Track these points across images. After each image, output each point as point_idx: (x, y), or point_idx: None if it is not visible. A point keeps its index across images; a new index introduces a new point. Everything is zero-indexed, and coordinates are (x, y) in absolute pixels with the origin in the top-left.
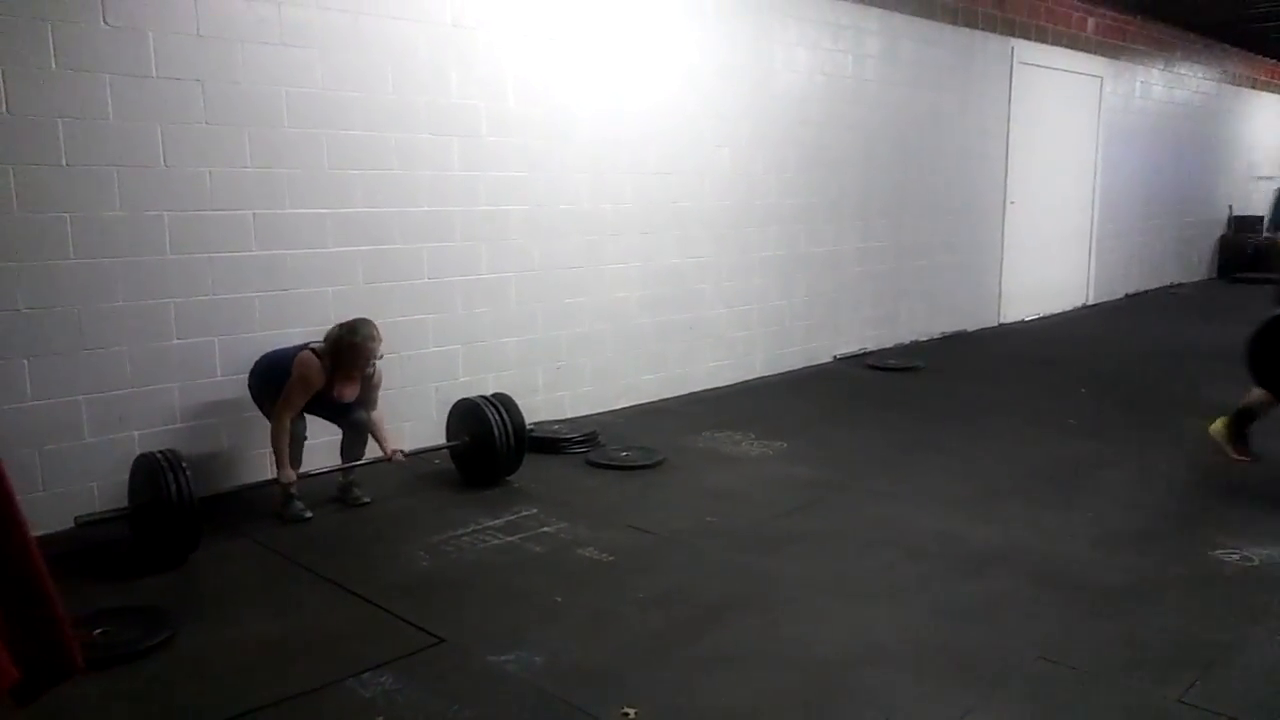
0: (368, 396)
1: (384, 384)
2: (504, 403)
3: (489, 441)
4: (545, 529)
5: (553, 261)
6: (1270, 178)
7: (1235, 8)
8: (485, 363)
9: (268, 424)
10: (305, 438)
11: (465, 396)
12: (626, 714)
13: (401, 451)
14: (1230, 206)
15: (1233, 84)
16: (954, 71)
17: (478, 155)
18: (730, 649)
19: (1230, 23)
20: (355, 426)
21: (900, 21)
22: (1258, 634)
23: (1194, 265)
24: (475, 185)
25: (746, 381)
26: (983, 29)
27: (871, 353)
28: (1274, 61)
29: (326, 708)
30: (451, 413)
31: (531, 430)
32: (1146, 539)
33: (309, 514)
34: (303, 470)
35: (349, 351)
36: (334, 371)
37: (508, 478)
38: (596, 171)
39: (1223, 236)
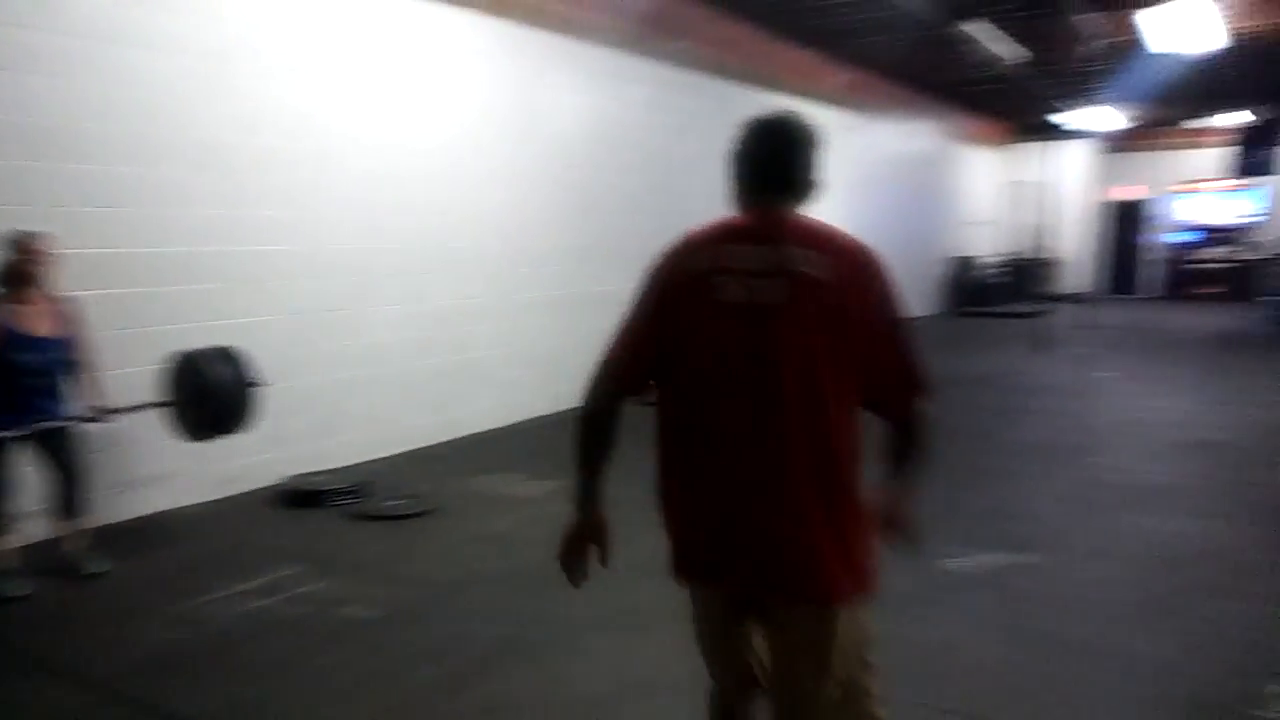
0: (71, 342)
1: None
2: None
3: (213, 387)
4: (305, 588)
5: (319, 304)
6: (981, 223)
7: (957, 72)
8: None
9: None
10: (14, 490)
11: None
12: None
13: (105, 408)
14: (951, 249)
15: (953, 140)
16: (712, 120)
17: (237, 192)
18: (501, 698)
19: (952, 84)
20: (67, 464)
21: (667, 72)
22: (956, 627)
23: (926, 298)
24: (234, 224)
25: (522, 421)
26: (739, 82)
27: None
28: (986, 120)
29: None
30: (168, 375)
31: (293, 484)
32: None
33: (27, 589)
34: (16, 534)
35: (12, 263)
36: (9, 299)
37: (231, 432)
38: (366, 210)
39: (949, 273)
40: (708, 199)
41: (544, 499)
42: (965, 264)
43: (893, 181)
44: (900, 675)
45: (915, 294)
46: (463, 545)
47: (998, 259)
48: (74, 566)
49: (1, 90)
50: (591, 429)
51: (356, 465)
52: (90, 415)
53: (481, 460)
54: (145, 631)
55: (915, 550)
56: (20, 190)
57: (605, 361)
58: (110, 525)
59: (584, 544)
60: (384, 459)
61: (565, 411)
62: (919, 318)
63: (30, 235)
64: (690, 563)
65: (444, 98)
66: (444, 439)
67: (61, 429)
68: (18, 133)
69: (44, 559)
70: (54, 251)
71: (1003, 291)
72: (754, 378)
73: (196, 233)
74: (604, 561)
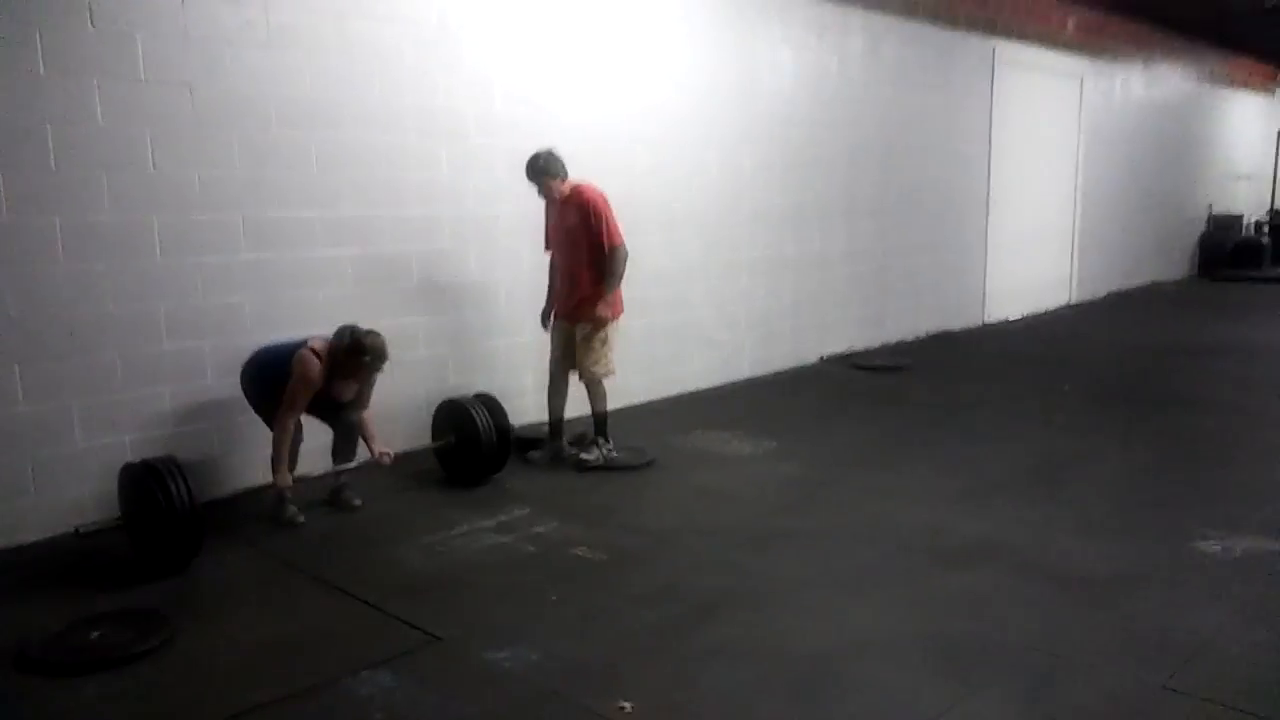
0: (362, 395)
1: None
2: (487, 402)
3: (474, 440)
4: (537, 529)
5: (541, 263)
6: (1248, 177)
7: (1213, 5)
8: (473, 365)
9: (259, 427)
10: (302, 440)
11: (451, 397)
12: (623, 708)
13: (389, 453)
14: (1210, 205)
15: (1211, 83)
16: (936, 71)
17: (465, 158)
18: (723, 643)
19: (1209, 21)
20: (347, 427)
21: (882, 21)
22: (1237, 623)
23: (1175, 263)
24: (463, 187)
25: (734, 382)
26: (964, 29)
27: (858, 353)
28: (1252, 60)
29: (325, 706)
30: (437, 413)
31: (521, 432)
32: (1130, 531)
33: (302, 518)
34: (295, 474)
35: (354, 363)
36: (332, 372)
37: (494, 476)
38: (584, 171)
39: (1203, 235)
40: (929, 155)
41: (759, 458)
42: (1225, 223)
43: (1141, 133)
44: (1150, 656)
45: (1165, 256)
46: (681, 498)
47: (1262, 217)
48: (342, 501)
49: (258, 66)
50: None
51: (576, 419)
52: (372, 459)
53: (696, 418)
54: (403, 559)
55: None
56: (279, 159)
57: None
58: (368, 465)
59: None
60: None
61: (778, 373)
62: (1167, 282)
63: (381, 355)
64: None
65: (660, 58)
66: (660, 396)
67: (341, 405)
68: (276, 105)
69: (315, 493)
70: (384, 360)
71: (1266, 253)
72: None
73: (427, 195)
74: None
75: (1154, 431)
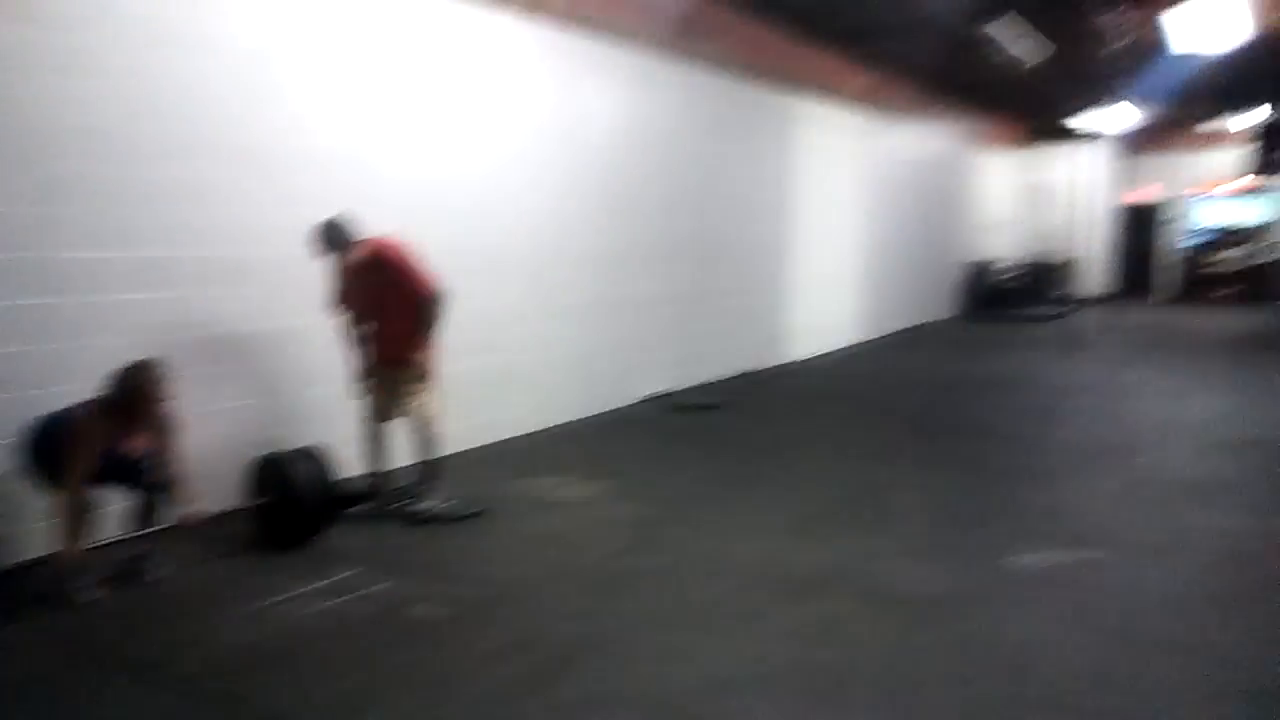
0: (164, 447)
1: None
2: (309, 456)
3: (295, 498)
4: (371, 589)
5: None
6: (995, 225)
7: (973, 73)
8: (290, 417)
9: (43, 494)
10: (94, 507)
11: (268, 451)
12: None
13: (198, 514)
14: (967, 251)
15: (970, 140)
16: (742, 124)
17: (279, 197)
18: (589, 694)
19: (971, 84)
20: (150, 490)
21: (697, 75)
22: (1058, 629)
23: (942, 304)
24: (276, 227)
25: (557, 425)
26: (767, 85)
27: (675, 392)
28: (1005, 119)
29: None
30: (253, 470)
31: (343, 487)
32: (949, 552)
33: (100, 593)
34: (91, 543)
35: (130, 403)
36: (118, 421)
37: (318, 536)
38: (403, 213)
39: (964, 278)
40: (736, 201)
41: (593, 501)
42: (983, 267)
43: (912, 184)
44: (990, 672)
45: (933, 298)
46: (520, 546)
47: (1015, 262)
48: (145, 571)
49: (58, 93)
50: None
51: (396, 470)
52: (180, 519)
53: (523, 464)
54: (222, 631)
55: None
56: (74, 192)
57: None
58: (172, 529)
59: None
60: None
61: (600, 415)
62: (935, 322)
63: (153, 373)
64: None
65: (483, 100)
66: (482, 442)
67: (142, 470)
68: (76, 136)
69: (115, 564)
70: (172, 396)
71: (1020, 295)
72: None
73: (240, 235)
74: None
75: (950, 458)
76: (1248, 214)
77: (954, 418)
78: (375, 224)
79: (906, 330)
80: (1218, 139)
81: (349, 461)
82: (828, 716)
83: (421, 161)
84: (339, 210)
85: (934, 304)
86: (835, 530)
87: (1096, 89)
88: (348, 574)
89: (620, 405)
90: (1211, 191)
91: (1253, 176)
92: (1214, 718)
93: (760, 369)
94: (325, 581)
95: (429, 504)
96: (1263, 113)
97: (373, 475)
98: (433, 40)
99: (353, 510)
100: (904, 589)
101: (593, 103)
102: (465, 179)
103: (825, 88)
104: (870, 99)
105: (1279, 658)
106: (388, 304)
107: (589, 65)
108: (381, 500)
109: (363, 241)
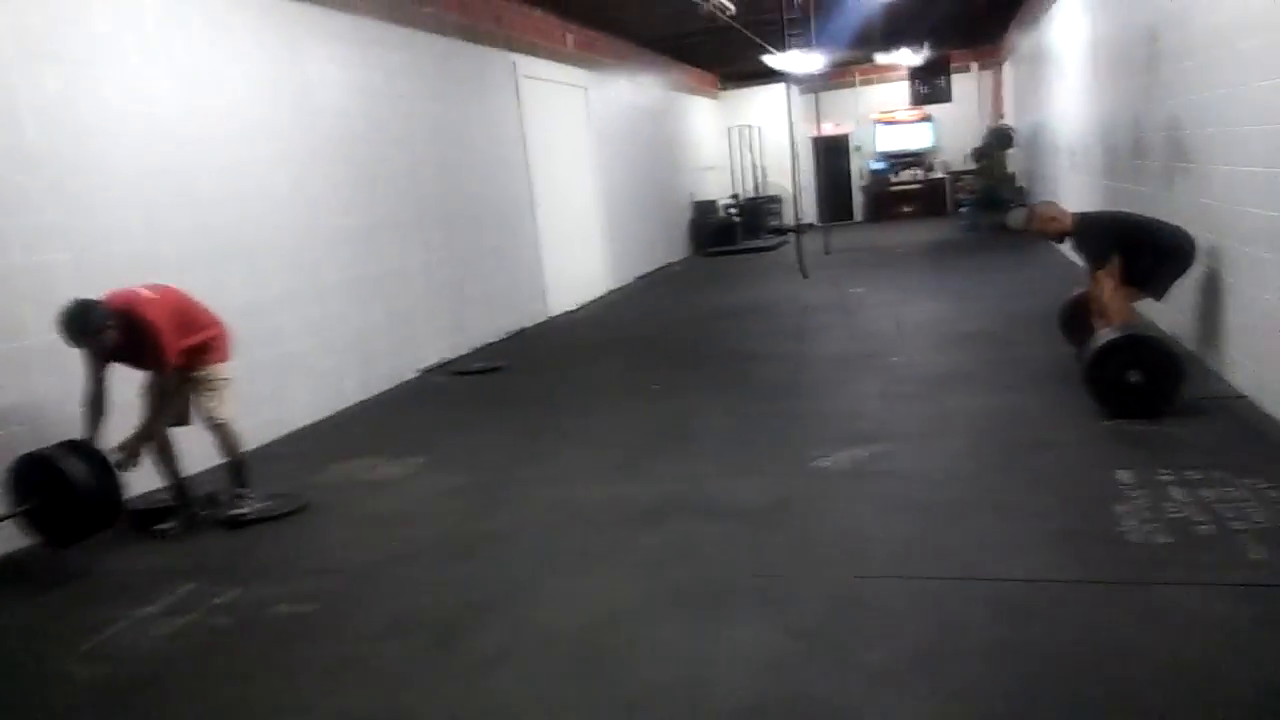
0: None
1: None
2: (76, 447)
3: (69, 492)
4: (219, 599)
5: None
6: (713, 167)
7: (673, 25)
8: (55, 434)
9: None
10: None
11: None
12: None
13: None
14: (691, 194)
15: (676, 90)
16: (471, 86)
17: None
18: (490, 649)
19: (668, 38)
20: None
21: (418, 37)
22: (878, 514)
23: (677, 245)
24: (3, 234)
25: (345, 409)
26: (488, 45)
27: (451, 361)
28: (700, 70)
29: None
30: (9, 476)
31: (137, 505)
32: (763, 464)
33: None
34: None
35: None
36: None
37: (106, 533)
38: (144, 209)
39: (692, 219)
40: (479, 165)
41: (414, 476)
42: (704, 208)
43: (636, 135)
44: (838, 558)
45: (670, 241)
46: (360, 530)
47: (730, 200)
48: None
49: None
50: None
51: (194, 477)
52: None
53: (325, 452)
54: (73, 672)
55: None
56: None
57: None
58: None
59: None
60: (211, 469)
61: (384, 393)
62: (675, 263)
63: None
64: None
65: (212, 78)
66: (273, 437)
67: None
68: None
69: None
70: None
71: (740, 230)
72: None
73: None
74: None
75: (730, 382)
76: (919, 139)
77: (720, 346)
78: (108, 213)
79: (654, 272)
80: (889, 72)
81: (135, 479)
82: (721, 625)
83: (155, 149)
84: (77, 296)
85: (672, 246)
86: (656, 462)
87: (783, 34)
88: (186, 589)
89: (404, 380)
90: (887, 121)
91: (916, 107)
92: (1021, 549)
93: (530, 326)
94: (164, 601)
95: (246, 506)
96: (920, 51)
97: (172, 485)
98: (148, 14)
99: (159, 529)
100: (737, 503)
101: (317, 70)
102: (205, 163)
103: (545, 46)
104: (586, 55)
105: (1055, 501)
106: (159, 355)
107: (309, 28)
108: (188, 511)
109: (114, 312)
